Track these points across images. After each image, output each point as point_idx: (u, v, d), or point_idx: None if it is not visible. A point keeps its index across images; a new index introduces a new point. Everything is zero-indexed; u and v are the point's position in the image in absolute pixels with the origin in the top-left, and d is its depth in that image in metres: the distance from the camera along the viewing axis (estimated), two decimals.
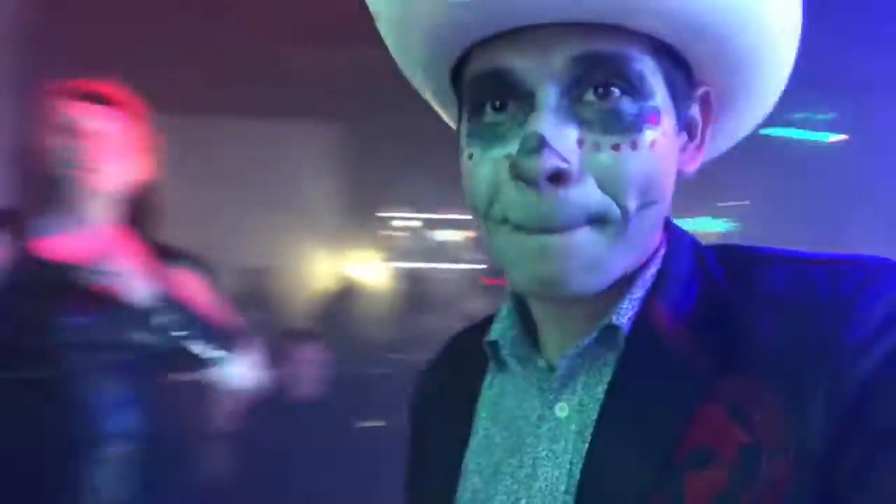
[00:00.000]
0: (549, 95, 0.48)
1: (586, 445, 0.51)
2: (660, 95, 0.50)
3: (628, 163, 0.48)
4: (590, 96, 0.48)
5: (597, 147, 0.47)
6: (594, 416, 0.51)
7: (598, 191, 0.48)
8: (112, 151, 1.33)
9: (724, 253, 0.56)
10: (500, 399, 0.58)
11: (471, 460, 0.58)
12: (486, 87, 0.50)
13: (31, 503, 1.28)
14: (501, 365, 0.58)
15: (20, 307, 1.28)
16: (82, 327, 1.29)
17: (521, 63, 0.48)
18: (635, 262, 0.52)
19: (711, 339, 0.50)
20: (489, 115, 0.51)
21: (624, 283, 0.52)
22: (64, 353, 1.28)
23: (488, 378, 0.60)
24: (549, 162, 0.46)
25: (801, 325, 0.47)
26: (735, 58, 0.52)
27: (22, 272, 1.29)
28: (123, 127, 1.35)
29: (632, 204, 0.48)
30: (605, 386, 0.52)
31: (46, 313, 1.28)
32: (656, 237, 0.54)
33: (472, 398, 0.60)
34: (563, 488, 0.51)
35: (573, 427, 0.52)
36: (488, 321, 0.60)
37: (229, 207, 4.70)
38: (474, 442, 0.58)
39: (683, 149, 0.54)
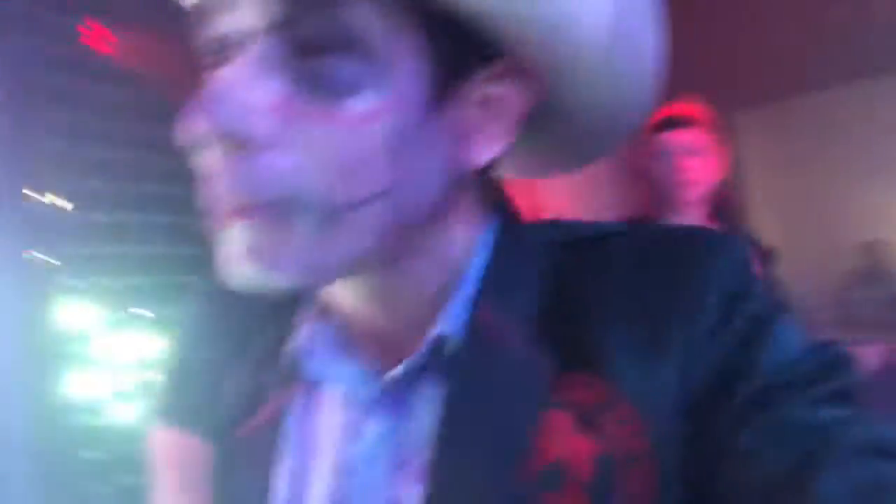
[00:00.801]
0: (249, 42, 0.38)
1: (411, 467, 0.44)
2: (396, 59, 0.39)
3: (327, 139, 0.38)
4: (300, 50, 0.38)
5: (298, 113, 0.38)
6: (421, 432, 0.44)
7: (296, 167, 0.38)
8: (701, 161, 1.60)
9: (559, 233, 0.48)
10: (310, 417, 0.49)
11: (280, 484, 0.48)
12: (206, 38, 0.41)
13: None
14: (310, 374, 0.49)
15: None
16: None
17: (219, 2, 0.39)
18: (374, 261, 0.42)
19: (552, 335, 0.43)
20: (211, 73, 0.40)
21: (446, 284, 0.45)
22: None
23: (297, 385, 0.50)
24: (212, 119, 0.36)
25: (645, 315, 0.42)
26: (520, 22, 0.40)
27: None
28: (705, 138, 1.61)
29: (337, 191, 0.38)
30: (430, 396, 0.44)
31: None
32: (438, 236, 0.45)
33: (277, 418, 0.49)
34: None
35: (392, 446, 0.45)
36: (285, 317, 0.51)
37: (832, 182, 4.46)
38: (283, 470, 0.48)
39: (475, 131, 0.43)
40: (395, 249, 0.42)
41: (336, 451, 0.47)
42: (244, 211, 0.38)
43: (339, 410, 0.48)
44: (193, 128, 0.37)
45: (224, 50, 0.40)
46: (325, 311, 0.49)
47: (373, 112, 0.38)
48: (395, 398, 0.46)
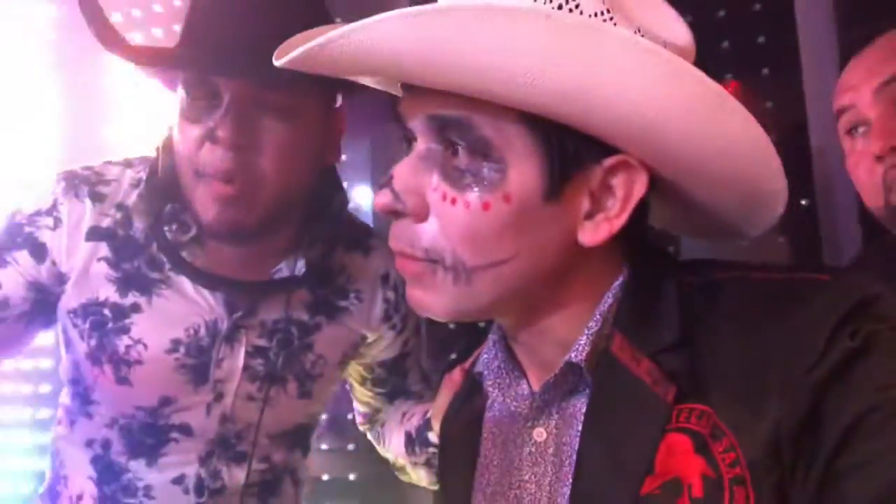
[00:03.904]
0: (418, 144, 0.55)
1: (564, 469, 0.54)
2: (516, 161, 0.51)
3: (460, 219, 0.52)
4: (451, 151, 0.53)
5: (443, 197, 0.52)
6: (572, 442, 0.54)
7: (438, 236, 0.53)
8: None
9: (688, 275, 0.56)
10: (495, 422, 0.63)
11: (477, 479, 0.62)
12: (403, 134, 0.58)
13: None
14: (489, 392, 0.62)
15: None
16: None
17: (405, 112, 0.56)
18: (507, 307, 0.56)
19: (672, 369, 0.51)
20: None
21: (576, 324, 0.55)
22: None
23: (489, 401, 0.65)
24: (382, 198, 0.54)
25: (754, 352, 0.49)
26: (613, 129, 0.50)
27: None
28: None
29: (467, 258, 0.52)
30: (579, 412, 0.55)
31: None
32: (562, 289, 0.55)
33: (478, 420, 0.65)
34: None
35: (551, 451, 0.56)
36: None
37: None
38: (480, 462, 0.63)
39: (589, 215, 0.53)
40: (523, 300, 0.55)
41: (510, 453, 0.59)
42: (409, 256, 0.55)
43: (511, 418, 0.61)
44: (380, 199, 0.55)
45: (408, 145, 0.57)
46: (501, 338, 0.62)
47: (492, 202, 0.51)
48: (550, 409, 0.58)
